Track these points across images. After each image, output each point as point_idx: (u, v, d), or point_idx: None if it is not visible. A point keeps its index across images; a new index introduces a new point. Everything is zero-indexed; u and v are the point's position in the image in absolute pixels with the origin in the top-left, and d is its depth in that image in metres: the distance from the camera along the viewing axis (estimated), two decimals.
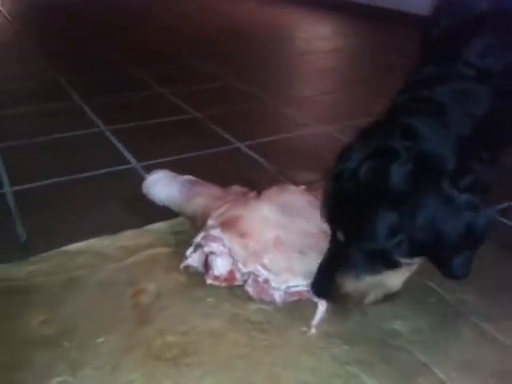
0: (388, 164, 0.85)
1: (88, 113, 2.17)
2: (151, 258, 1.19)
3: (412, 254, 0.90)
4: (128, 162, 1.72)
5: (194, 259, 1.14)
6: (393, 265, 0.92)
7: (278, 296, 1.05)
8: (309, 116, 2.17)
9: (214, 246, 1.09)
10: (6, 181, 1.60)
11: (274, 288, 1.05)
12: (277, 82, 2.77)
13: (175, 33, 3.81)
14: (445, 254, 0.89)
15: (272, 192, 1.23)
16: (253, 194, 1.27)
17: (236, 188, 1.34)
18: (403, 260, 0.91)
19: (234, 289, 1.10)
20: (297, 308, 1.05)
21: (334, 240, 0.98)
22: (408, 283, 1.07)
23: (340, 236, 0.94)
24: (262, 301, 1.07)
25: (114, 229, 1.31)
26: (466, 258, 0.90)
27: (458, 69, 0.98)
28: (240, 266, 1.07)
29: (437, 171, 0.86)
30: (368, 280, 0.94)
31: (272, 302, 1.06)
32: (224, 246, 1.09)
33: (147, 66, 2.89)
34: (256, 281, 1.07)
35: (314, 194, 1.21)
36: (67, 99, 2.34)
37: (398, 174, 0.85)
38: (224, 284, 1.10)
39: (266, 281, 1.06)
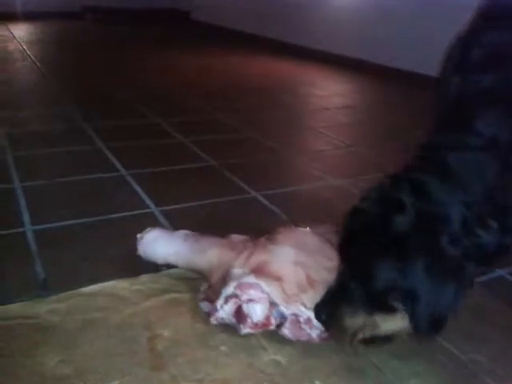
0: (393, 213, 0.92)
1: (110, 157, 2.23)
2: (166, 303, 1.21)
3: (404, 302, 0.94)
4: (147, 207, 1.76)
5: (225, 311, 1.13)
6: (387, 308, 0.97)
7: (315, 334, 1.10)
8: (323, 169, 2.21)
9: (253, 294, 1.11)
10: (27, 219, 1.63)
11: (315, 326, 1.09)
12: (293, 135, 2.83)
13: (197, 86, 3.92)
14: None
15: (284, 235, 1.27)
16: (263, 238, 1.29)
17: (236, 237, 1.35)
18: (397, 305, 0.95)
19: (248, 338, 1.11)
20: (311, 361, 1.06)
21: (341, 273, 1.04)
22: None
23: (344, 270, 1.02)
24: (298, 340, 1.11)
25: (130, 272, 1.33)
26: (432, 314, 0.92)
27: (467, 137, 1.01)
28: (282, 308, 1.10)
29: (436, 229, 0.90)
30: (363, 318, 0.99)
31: (309, 341, 1.11)
32: (262, 291, 1.11)
33: (169, 116, 2.97)
34: (295, 322, 1.10)
35: (320, 234, 1.29)
36: (90, 143, 2.40)
37: (400, 224, 0.91)
38: (260, 330, 1.11)
39: (309, 320, 1.10)
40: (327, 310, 1.04)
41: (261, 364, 1.04)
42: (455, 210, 0.92)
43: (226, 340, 1.10)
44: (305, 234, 1.29)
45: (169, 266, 1.35)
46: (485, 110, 1.02)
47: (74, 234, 1.54)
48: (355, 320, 1.00)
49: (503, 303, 1.30)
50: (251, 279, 1.12)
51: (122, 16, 7.56)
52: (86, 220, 1.63)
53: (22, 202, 1.74)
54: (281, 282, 1.12)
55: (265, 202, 1.85)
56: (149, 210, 1.73)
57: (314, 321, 1.08)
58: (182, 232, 1.37)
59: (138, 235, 1.37)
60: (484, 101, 1.04)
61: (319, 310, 1.06)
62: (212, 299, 1.17)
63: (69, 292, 1.22)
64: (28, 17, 7.02)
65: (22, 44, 5.24)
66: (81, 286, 1.26)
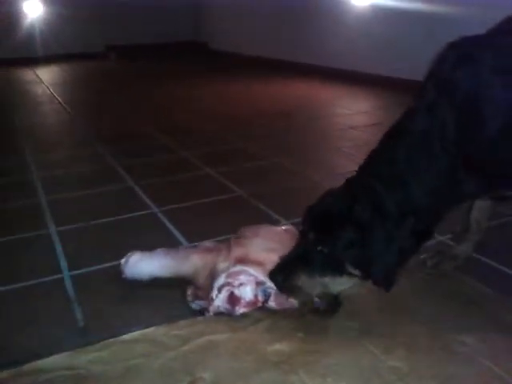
0: (355, 203, 1.21)
1: (141, 195, 2.26)
2: (204, 345, 1.21)
3: (358, 266, 1.21)
4: (179, 243, 1.77)
5: (220, 299, 1.32)
6: (340, 272, 1.22)
7: (295, 302, 1.33)
8: None
9: (243, 278, 1.33)
10: (64, 265, 1.66)
11: None
12: (320, 158, 2.83)
13: (221, 115, 3.97)
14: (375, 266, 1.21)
15: (251, 231, 1.52)
16: (231, 238, 1.51)
17: (206, 243, 1.61)
18: (350, 269, 1.22)
19: (289, 374, 1.11)
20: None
21: (301, 241, 1.29)
22: None
23: (311, 237, 1.25)
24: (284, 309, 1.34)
25: (166, 316, 1.34)
26: (388, 272, 1.22)
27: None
28: (267, 286, 1.32)
29: (384, 215, 1.19)
30: (317, 279, 1.23)
31: (292, 308, 1.33)
32: (250, 275, 1.32)
33: (195, 148, 3.01)
34: (279, 294, 1.32)
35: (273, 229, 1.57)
36: (120, 182, 2.45)
37: (359, 210, 1.20)
38: (251, 308, 1.32)
39: None
40: (283, 272, 1.25)
41: None
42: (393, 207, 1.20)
43: (267, 379, 1.10)
44: (266, 228, 1.57)
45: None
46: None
47: (112, 277, 1.56)
48: (310, 281, 1.23)
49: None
50: (239, 267, 1.34)
51: (144, 52, 7.74)
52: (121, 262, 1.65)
53: (58, 247, 1.78)
54: (262, 265, 1.34)
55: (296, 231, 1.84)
56: (181, 246, 1.74)
57: None
58: (160, 249, 1.55)
59: (122, 260, 1.52)
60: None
61: (275, 273, 1.26)
62: (202, 297, 1.36)
63: (109, 340, 1.24)
64: (52, 60, 7.25)
65: (49, 87, 5.41)
66: (120, 332, 1.27)
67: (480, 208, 1.53)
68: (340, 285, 1.26)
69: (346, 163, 2.69)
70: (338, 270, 1.23)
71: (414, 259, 1.56)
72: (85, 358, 1.17)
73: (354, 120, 3.64)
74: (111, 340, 1.23)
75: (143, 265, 1.50)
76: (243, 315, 1.31)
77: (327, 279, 1.24)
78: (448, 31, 1.32)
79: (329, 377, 1.10)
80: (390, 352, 1.17)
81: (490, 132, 1.17)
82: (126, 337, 1.24)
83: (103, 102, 4.71)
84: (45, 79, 6.01)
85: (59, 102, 4.60)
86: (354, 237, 1.19)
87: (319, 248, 1.22)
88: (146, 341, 1.22)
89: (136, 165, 2.73)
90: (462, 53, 1.23)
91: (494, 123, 1.16)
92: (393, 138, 1.30)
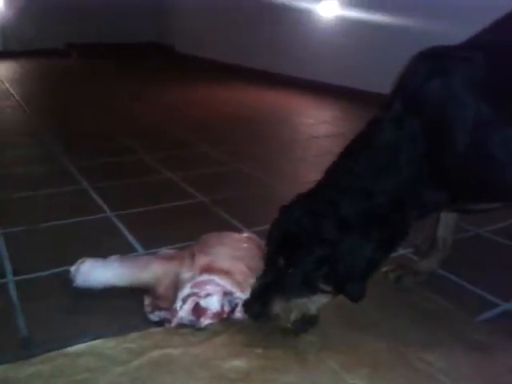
0: (320, 220, 1.20)
1: (95, 198, 2.16)
2: (157, 360, 1.13)
3: (330, 281, 1.20)
4: (134, 250, 1.69)
5: (184, 310, 1.24)
6: (314, 290, 1.21)
7: None
8: None
9: (210, 288, 1.26)
10: (8, 269, 1.55)
11: None
12: (284, 166, 2.79)
13: (184, 119, 3.88)
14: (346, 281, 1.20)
15: (213, 239, 1.48)
16: (193, 246, 1.46)
17: (166, 251, 1.56)
18: (323, 287, 1.20)
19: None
20: None
21: (270, 268, 1.25)
22: None
23: (281, 262, 1.22)
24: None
25: (119, 327, 1.26)
26: (360, 286, 1.20)
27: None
28: (236, 295, 1.27)
29: (350, 229, 1.17)
30: (293, 302, 1.21)
31: None
32: (217, 285, 1.27)
33: (156, 151, 2.92)
34: None
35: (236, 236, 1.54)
36: (74, 184, 2.34)
37: (325, 227, 1.18)
38: (216, 319, 1.26)
39: None
40: (259, 302, 1.20)
41: None
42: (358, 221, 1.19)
43: None
44: (229, 235, 1.54)
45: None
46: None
47: (61, 284, 1.46)
48: (287, 305, 1.20)
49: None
50: (205, 277, 1.28)
51: (107, 52, 7.57)
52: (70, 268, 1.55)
53: (3, 251, 1.67)
54: (230, 274, 1.29)
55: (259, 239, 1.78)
56: (136, 254, 1.66)
57: None
58: (114, 257, 1.47)
59: (72, 268, 1.43)
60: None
61: (251, 303, 1.22)
62: (162, 307, 1.28)
63: (53, 352, 1.14)
64: (11, 56, 7.00)
65: (5, 82, 5.20)
66: (67, 344, 1.18)
67: (446, 225, 1.51)
68: (315, 303, 1.25)
69: (310, 173, 2.66)
70: (312, 290, 1.22)
71: (376, 273, 1.54)
72: (26, 372, 1.07)
73: (316, 129, 3.62)
74: (54, 352, 1.13)
75: (97, 273, 1.41)
76: (199, 328, 1.24)
77: (302, 300, 1.22)
78: (414, 44, 1.29)
79: None
80: (351, 369, 1.12)
81: (459, 148, 1.15)
82: (70, 349, 1.15)
83: (62, 101, 4.55)
84: (1, 75, 5.78)
85: (15, 99, 4.42)
86: (323, 255, 1.18)
87: (290, 271, 1.20)
88: (93, 354, 1.13)
89: (92, 166, 2.62)
90: (434, 65, 1.20)
91: (463, 139, 1.14)
92: (356, 150, 1.29)
